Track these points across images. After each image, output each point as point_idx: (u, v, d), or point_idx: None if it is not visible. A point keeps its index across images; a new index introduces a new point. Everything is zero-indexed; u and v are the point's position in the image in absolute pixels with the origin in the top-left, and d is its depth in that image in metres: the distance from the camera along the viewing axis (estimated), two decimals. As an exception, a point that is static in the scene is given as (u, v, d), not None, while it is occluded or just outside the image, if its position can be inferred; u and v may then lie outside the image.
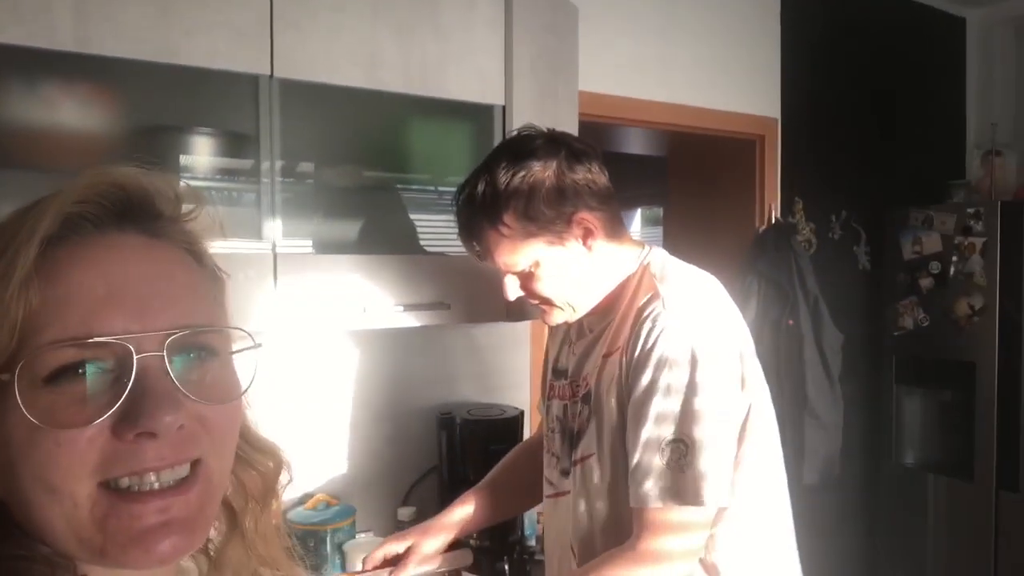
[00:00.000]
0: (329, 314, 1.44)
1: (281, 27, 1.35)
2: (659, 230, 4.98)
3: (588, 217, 1.13)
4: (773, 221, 2.67)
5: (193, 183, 1.33)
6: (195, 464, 0.49)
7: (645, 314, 1.09)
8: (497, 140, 1.62)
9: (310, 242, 1.48)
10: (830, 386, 2.52)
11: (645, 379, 1.06)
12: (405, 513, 1.82)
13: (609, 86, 2.23)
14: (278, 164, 1.41)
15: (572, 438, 1.20)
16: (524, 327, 2.09)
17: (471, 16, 1.56)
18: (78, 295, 0.46)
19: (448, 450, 1.84)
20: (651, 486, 1.04)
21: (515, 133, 1.20)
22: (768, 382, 1.19)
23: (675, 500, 1.04)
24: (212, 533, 0.57)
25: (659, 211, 5.12)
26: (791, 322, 2.53)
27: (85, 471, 0.45)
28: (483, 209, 1.13)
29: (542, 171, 1.11)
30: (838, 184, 2.87)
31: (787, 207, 2.74)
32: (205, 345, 0.51)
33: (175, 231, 0.53)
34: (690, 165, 3.03)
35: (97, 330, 0.45)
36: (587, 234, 1.14)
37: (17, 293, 0.45)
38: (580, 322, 1.24)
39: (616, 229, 1.18)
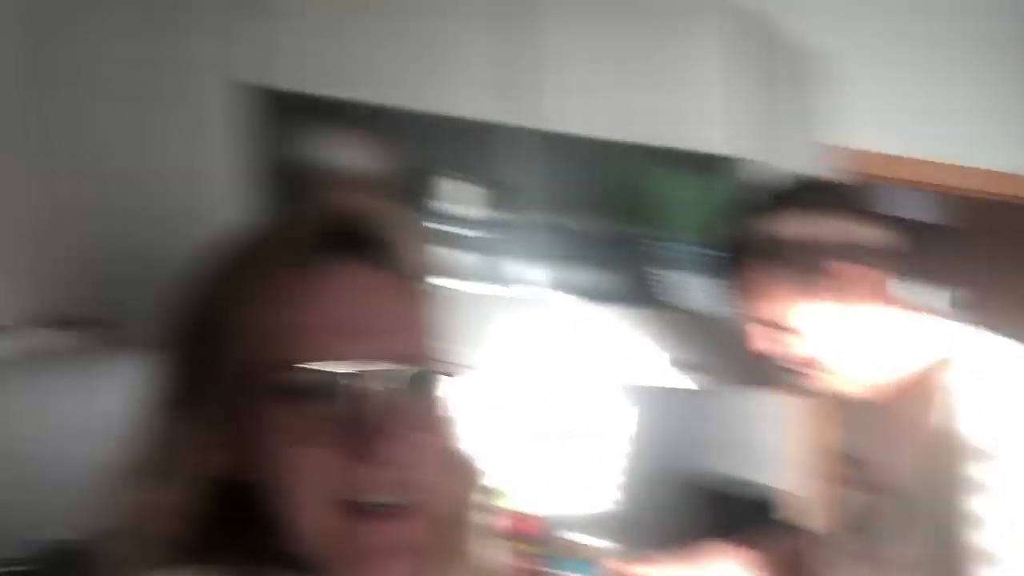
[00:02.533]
0: (565, 364, 1.45)
1: (534, 80, 1.42)
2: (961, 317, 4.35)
3: (850, 269, 1.02)
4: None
5: (440, 228, 1.47)
6: (420, 488, 0.52)
7: (967, 390, 0.95)
8: (740, 194, 1.57)
9: (551, 288, 1.52)
10: None
11: (988, 459, 0.91)
12: None
13: (889, 145, 2.05)
14: (535, 213, 1.48)
15: (866, 535, 1.07)
16: (787, 399, 1.93)
17: (710, 66, 1.54)
18: (317, 324, 0.50)
19: (692, 517, 1.74)
20: None
21: (768, 179, 1.15)
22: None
23: None
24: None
25: (961, 294, 4.49)
26: None
27: (323, 488, 0.49)
28: (742, 251, 1.08)
29: (794, 217, 1.04)
30: None
31: None
32: (430, 376, 0.54)
33: (402, 261, 0.56)
34: (997, 240, 2.65)
35: (325, 356, 0.49)
36: (847, 288, 1.02)
37: (264, 321, 0.50)
38: (875, 400, 1.09)
39: (899, 286, 1.05)
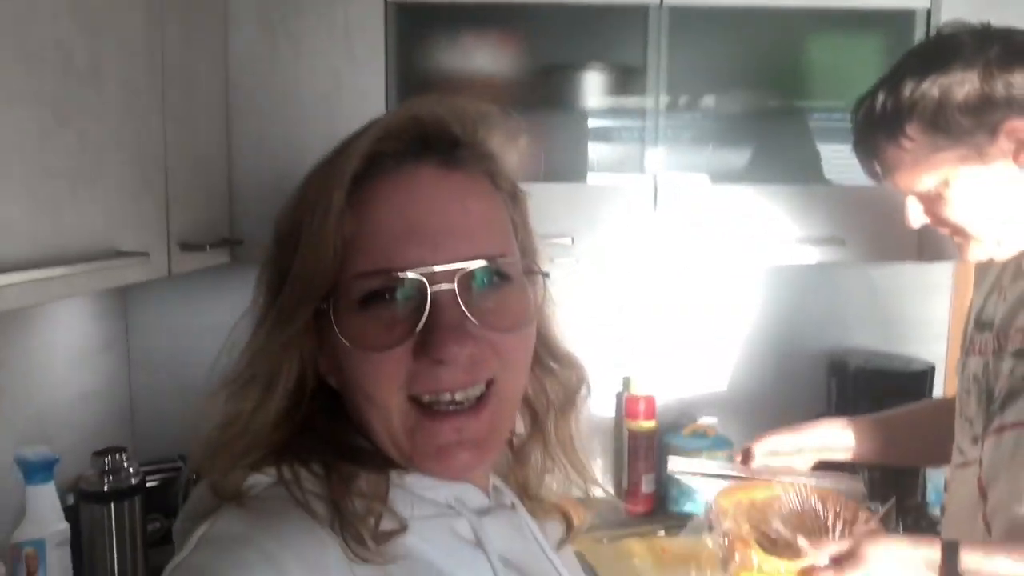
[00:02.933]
0: (710, 245, 1.42)
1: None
2: None
3: (1020, 126, 0.91)
4: None
5: (588, 119, 1.46)
6: (489, 384, 0.54)
7: None
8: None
9: (696, 172, 1.47)
10: None
11: None
12: (786, 457, 1.74)
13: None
14: (664, 95, 1.41)
15: (993, 401, 1.01)
16: (943, 270, 1.80)
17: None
18: (380, 230, 0.52)
19: (838, 398, 1.70)
20: None
21: (936, 33, 1.01)
22: None
23: None
24: (520, 428, 0.62)
25: None
26: None
27: (394, 386, 0.52)
28: (882, 121, 0.98)
29: (962, 73, 0.92)
30: None
31: None
32: (499, 272, 0.54)
33: (472, 157, 0.55)
34: None
35: (397, 263, 0.50)
36: (1020, 148, 0.92)
37: (333, 230, 0.51)
38: (1018, 261, 1.02)
39: None
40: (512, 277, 0.55)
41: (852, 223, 1.43)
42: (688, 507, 1.67)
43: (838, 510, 1.06)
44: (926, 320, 1.81)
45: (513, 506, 0.63)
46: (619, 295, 1.78)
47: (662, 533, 1.57)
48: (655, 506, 1.72)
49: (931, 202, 1.00)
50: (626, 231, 1.41)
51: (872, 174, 1.06)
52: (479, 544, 0.57)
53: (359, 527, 0.50)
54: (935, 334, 1.81)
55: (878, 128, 1.00)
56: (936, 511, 1.59)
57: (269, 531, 0.48)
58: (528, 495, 0.65)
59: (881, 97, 0.99)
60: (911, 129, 0.95)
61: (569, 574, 0.64)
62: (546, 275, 0.58)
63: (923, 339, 1.79)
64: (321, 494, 0.51)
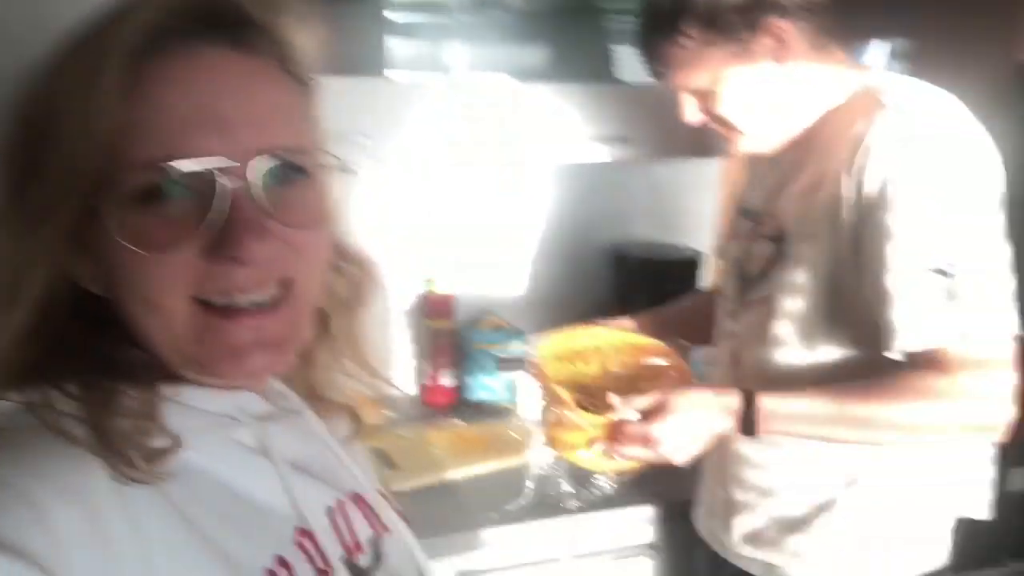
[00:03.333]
0: (508, 145, 1.43)
1: None
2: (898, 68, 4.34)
3: (783, 26, 0.98)
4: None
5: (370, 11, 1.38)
6: (286, 283, 0.50)
7: (872, 130, 0.93)
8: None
9: (496, 70, 1.46)
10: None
11: (888, 201, 0.90)
12: (575, 344, 1.86)
13: None
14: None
15: (747, 279, 1.12)
16: (711, 167, 1.95)
17: None
18: (162, 115, 0.45)
19: (620, 287, 1.82)
20: (932, 323, 0.91)
21: None
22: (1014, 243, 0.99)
23: (969, 334, 0.90)
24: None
25: (898, 43, 4.44)
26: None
27: (179, 289, 0.47)
28: (661, 19, 1.03)
29: None
30: None
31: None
32: (295, 167, 0.49)
33: (266, 41, 0.50)
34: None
35: (181, 152, 0.44)
36: (779, 46, 0.99)
37: (102, 113, 0.44)
38: (776, 156, 1.11)
39: (826, 46, 1.02)
40: (309, 171, 0.51)
41: (636, 122, 1.50)
42: (484, 396, 1.74)
43: (655, 363, 1.14)
44: (697, 212, 1.97)
45: (299, 411, 0.61)
46: (419, 195, 1.76)
47: (460, 423, 1.63)
48: (455, 399, 1.77)
49: (704, 98, 1.06)
50: (425, 130, 1.37)
51: (654, 72, 1.10)
52: (264, 451, 0.54)
53: (125, 447, 0.45)
54: (705, 225, 1.98)
55: (658, 26, 1.04)
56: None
57: (18, 464, 0.43)
58: (315, 396, 0.63)
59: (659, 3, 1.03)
60: (686, 26, 1.00)
61: (360, 472, 0.64)
62: (348, 170, 0.54)
63: (694, 230, 1.95)
64: (80, 416, 0.46)
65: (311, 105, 0.55)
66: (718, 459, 1.16)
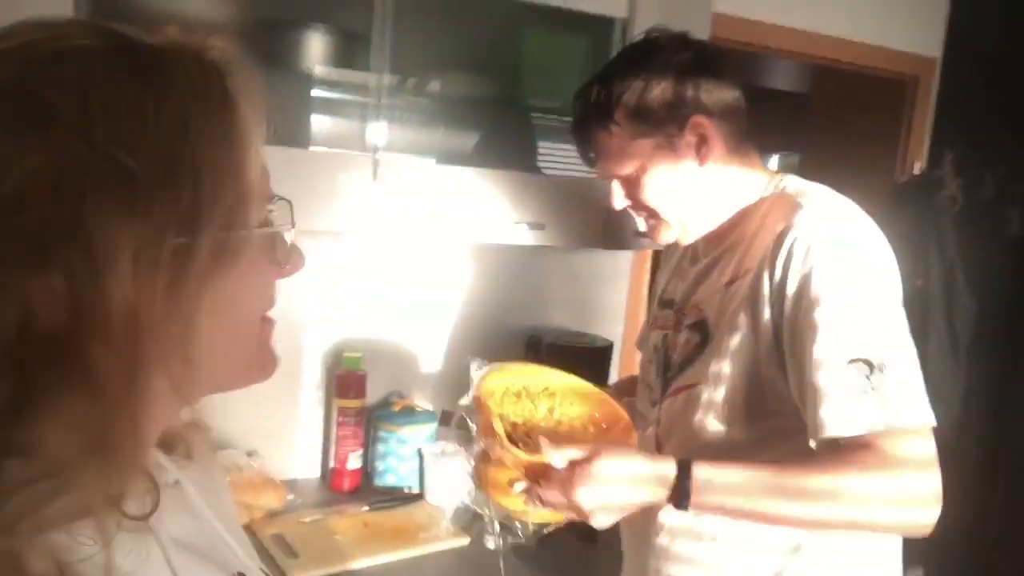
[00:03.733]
0: (418, 222, 1.45)
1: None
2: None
3: (705, 123, 1.06)
4: (917, 172, 2.44)
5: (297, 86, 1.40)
6: None
7: (792, 229, 0.99)
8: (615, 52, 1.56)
9: (411, 149, 1.49)
10: (954, 358, 2.33)
11: (808, 296, 0.95)
12: (486, 428, 1.85)
13: (747, 9, 2.07)
14: (387, 74, 1.40)
15: (670, 368, 1.15)
16: (625, 259, 2.03)
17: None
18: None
19: (533, 372, 1.84)
20: (859, 411, 0.92)
21: (642, 35, 1.13)
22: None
23: (893, 423, 0.91)
24: None
25: (796, 158, 4.81)
26: (920, 283, 2.34)
27: (268, 304, 0.56)
28: (595, 108, 1.09)
29: (662, 69, 1.06)
30: (999, 137, 2.57)
31: (934, 159, 2.49)
32: None
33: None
34: (833, 105, 2.80)
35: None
36: (701, 143, 1.07)
37: (255, 160, 0.50)
38: (694, 248, 1.18)
39: (742, 149, 1.10)
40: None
41: (553, 211, 1.55)
42: (392, 481, 1.69)
43: (599, 417, 1.08)
44: (609, 303, 2.03)
45: (177, 482, 0.57)
46: (335, 268, 1.74)
47: (366, 509, 1.57)
48: (362, 483, 1.72)
49: (630, 186, 1.11)
50: (342, 204, 1.38)
51: (585, 158, 1.17)
52: (150, 531, 0.50)
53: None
54: (615, 315, 2.04)
55: (591, 115, 1.10)
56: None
57: None
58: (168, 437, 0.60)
59: (595, 88, 1.10)
60: (618, 116, 1.07)
61: (240, 547, 0.60)
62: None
63: (606, 319, 2.01)
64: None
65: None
66: (641, 546, 1.16)
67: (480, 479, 1.03)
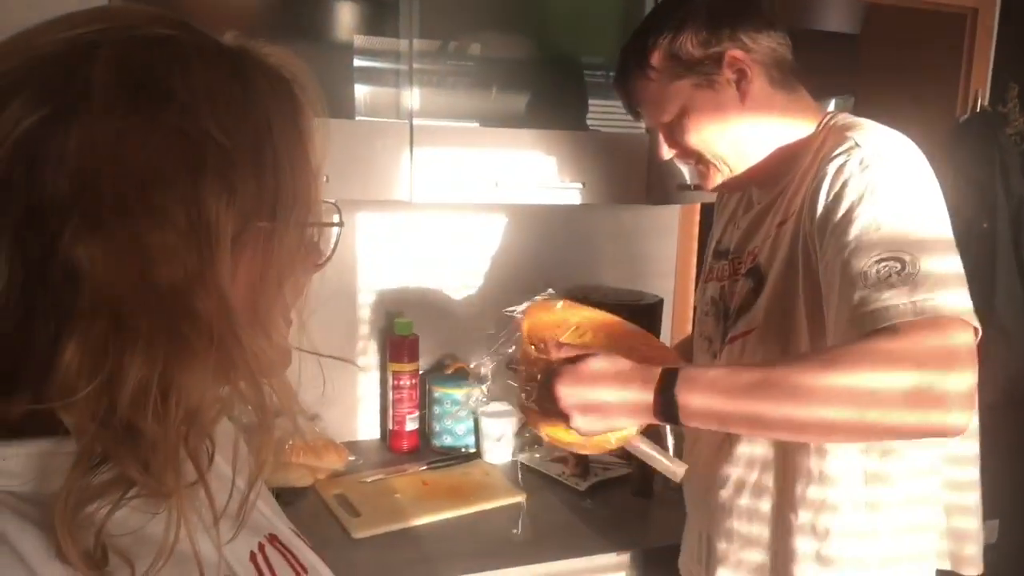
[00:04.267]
0: (461, 187, 1.46)
1: None
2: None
3: (742, 58, 1.04)
4: (979, 109, 2.33)
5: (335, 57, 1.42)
6: None
7: (837, 155, 0.95)
8: (649, 9, 1.53)
9: (449, 113, 1.49)
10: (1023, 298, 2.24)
11: (842, 200, 0.91)
12: (539, 388, 1.87)
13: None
14: (417, 38, 1.41)
15: (728, 316, 1.13)
16: (672, 213, 2.01)
17: None
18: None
19: (583, 332, 1.84)
20: (888, 298, 0.83)
21: None
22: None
23: (922, 309, 0.81)
24: None
25: (851, 101, 4.63)
26: (986, 225, 2.24)
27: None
28: (633, 56, 1.10)
29: (695, 12, 1.05)
30: (1068, 67, 2.43)
31: (998, 94, 2.37)
32: None
33: None
34: (886, 44, 2.68)
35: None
36: (741, 77, 1.05)
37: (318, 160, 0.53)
38: (748, 197, 1.16)
39: (788, 85, 1.08)
40: None
41: (596, 168, 1.54)
42: (449, 441, 1.73)
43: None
44: (658, 258, 2.01)
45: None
46: (381, 236, 1.78)
47: (424, 468, 1.62)
48: (420, 443, 1.76)
49: (675, 132, 1.09)
50: (383, 173, 1.40)
51: (632, 112, 1.16)
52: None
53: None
54: (666, 271, 2.03)
55: (630, 63, 1.10)
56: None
57: None
58: None
59: (634, 39, 1.11)
60: (654, 58, 1.07)
61: (270, 510, 0.64)
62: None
63: (656, 275, 2.00)
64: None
65: None
66: (702, 502, 1.17)
67: (525, 412, 1.01)
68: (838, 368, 0.81)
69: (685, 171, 1.57)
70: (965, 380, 0.79)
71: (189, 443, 0.46)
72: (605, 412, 0.88)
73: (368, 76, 1.46)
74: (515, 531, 1.34)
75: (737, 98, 1.06)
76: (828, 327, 0.94)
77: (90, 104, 0.43)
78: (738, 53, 1.04)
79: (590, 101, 1.64)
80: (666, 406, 0.85)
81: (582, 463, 1.64)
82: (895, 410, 0.79)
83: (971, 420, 0.80)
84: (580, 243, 1.94)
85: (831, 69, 3.55)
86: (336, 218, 0.57)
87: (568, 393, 0.87)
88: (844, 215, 0.91)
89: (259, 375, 0.49)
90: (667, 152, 1.13)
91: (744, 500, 1.10)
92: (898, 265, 0.85)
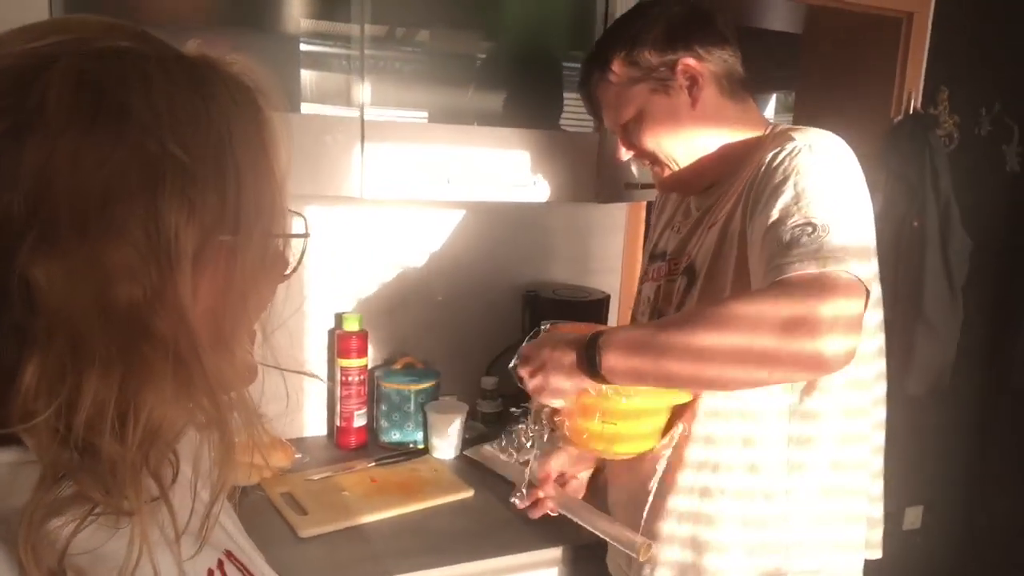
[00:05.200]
0: (413, 183, 1.45)
1: None
2: (789, 118, 4.65)
3: (695, 66, 1.11)
4: (911, 111, 2.42)
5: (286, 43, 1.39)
6: None
7: (775, 150, 1.01)
8: (600, 7, 1.54)
9: (399, 109, 1.48)
10: (950, 294, 2.34)
11: (768, 191, 0.97)
12: (488, 382, 1.89)
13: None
14: (368, 26, 1.39)
15: (663, 315, 1.19)
16: (620, 212, 2.04)
17: None
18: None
19: (531, 327, 1.86)
20: (795, 255, 0.89)
21: None
22: (883, 283, 1.06)
23: (814, 264, 0.88)
24: None
25: (791, 99, 4.77)
26: (916, 223, 2.34)
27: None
28: (595, 58, 1.17)
29: (654, 20, 1.13)
30: (994, 73, 2.55)
31: (930, 97, 2.47)
32: None
33: None
34: (826, 44, 2.76)
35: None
36: (693, 84, 1.12)
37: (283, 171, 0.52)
38: (687, 203, 1.23)
39: (736, 93, 1.15)
40: None
41: (545, 166, 1.55)
42: (397, 438, 1.74)
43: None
44: (605, 255, 2.04)
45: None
46: (330, 231, 1.76)
47: (372, 464, 1.62)
48: (368, 440, 1.76)
49: (631, 133, 1.16)
50: (333, 168, 1.38)
51: (593, 114, 1.24)
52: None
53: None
54: (612, 267, 2.06)
55: (593, 68, 1.17)
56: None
57: None
58: None
59: (598, 47, 1.18)
60: (615, 63, 1.14)
61: (231, 523, 0.64)
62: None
63: (603, 272, 2.03)
64: None
65: None
66: (629, 500, 1.20)
67: (562, 429, 1.07)
68: (729, 314, 0.89)
69: (635, 170, 1.60)
70: (838, 307, 0.85)
71: (150, 462, 0.45)
72: (546, 370, 1.01)
73: (316, 62, 1.43)
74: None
75: (689, 103, 1.13)
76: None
77: (46, 120, 0.42)
78: (691, 61, 1.11)
79: (542, 101, 1.65)
80: (589, 362, 0.96)
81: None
82: (772, 343, 0.85)
83: (850, 350, 0.86)
84: (530, 240, 1.96)
85: (774, 65, 3.64)
86: (302, 228, 0.57)
87: (527, 353, 1.03)
88: (770, 195, 0.97)
89: (220, 393, 0.48)
90: (624, 153, 1.20)
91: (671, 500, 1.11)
92: (810, 228, 0.91)
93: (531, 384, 1.03)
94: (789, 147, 1.00)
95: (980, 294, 2.54)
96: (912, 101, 2.42)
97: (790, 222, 0.93)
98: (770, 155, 1.01)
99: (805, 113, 2.97)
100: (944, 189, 2.34)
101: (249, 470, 1.48)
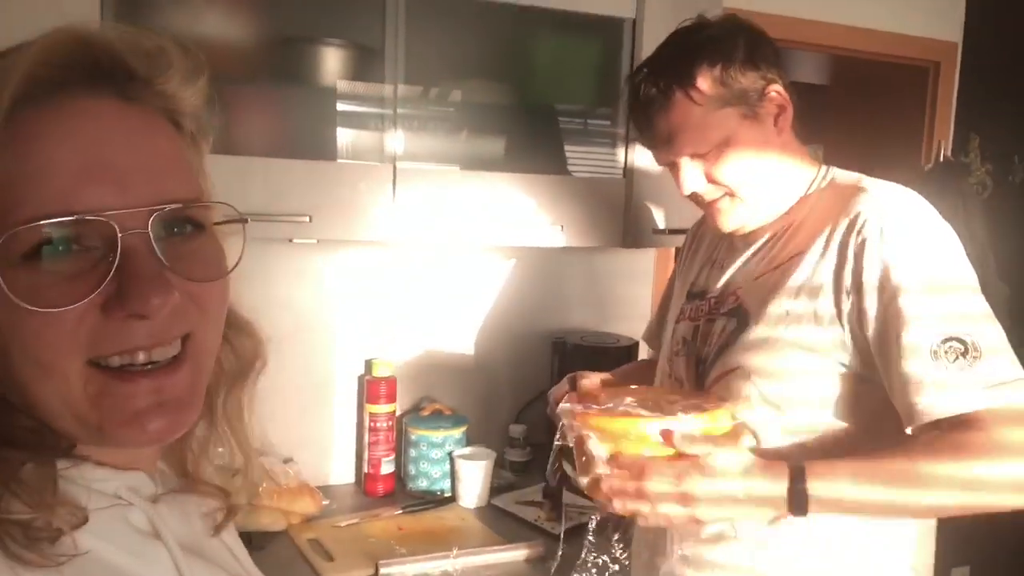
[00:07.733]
0: (443, 228, 1.47)
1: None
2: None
3: (782, 92, 1.04)
4: (942, 159, 2.41)
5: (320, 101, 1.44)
6: (185, 340, 0.49)
7: (861, 214, 0.97)
8: (625, 60, 1.57)
9: (431, 157, 1.52)
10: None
11: (891, 284, 0.93)
12: (516, 430, 1.87)
13: (759, 3, 2.07)
14: (402, 83, 1.44)
15: (704, 357, 1.12)
16: (647, 257, 2.04)
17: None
18: (52, 168, 0.44)
19: (559, 374, 1.85)
20: (959, 386, 0.90)
21: (696, 20, 1.10)
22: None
23: (996, 397, 0.89)
24: None
25: (820, 150, 4.77)
26: (951, 272, 2.30)
27: (74, 349, 0.44)
28: (677, 79, 1.03)
29: (738, 44, 1.04)
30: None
31: (960, 145, 2.46)
32: (191, 220, 0.49)
33: (151, 93, 0.49)
34: (853, 96, 2.77)
35: (77, 206, 0.43)
36: (780, 112, 1.04)
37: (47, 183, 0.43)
38: (730, 239, 1.15)
39: (796, 129, 1.09)
40: (206, 225, 0.50)
41: (573, 212, 1.57)
42: (424, 485, 1.72)
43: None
44: (633, 301, 2.04)
45: (183, 490, 0.58)
46: (360, 277, 1.78)
47: (399, 512, 1.60)
48: (395, 487, 1.75)
49: (710, 162, 1.05)
50: (366, 214, 1.41)
51: (649, 140, 1.10)
52: (157, 534, 0.51)
53: (20, 527, 0.43)
54: (641, 314, 2.05)
55: (672, 87, 1.03)
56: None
57: None
58: (185, 474, 0.59)
59: (676, 64, 1.05)
60: (701, 79, 1.02)
61: (243, 555, 0.62)
62: (244, 221, 0.53)
63: (630, 318, 2.02)
64: None
65: (201, 159, 0.54)
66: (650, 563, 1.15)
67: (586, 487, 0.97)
68: (949, 459, 0.90)
69: (659, 217, 1.60)
70: None
71: None
72: (733, 505, 0.91)
73: (351, 120, 1.48)
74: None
75: (776, 133, 1.05)
76: (889, 386, 0.95)
77: None
78: (779, 88, 1.04)
79: (569, 147, 1.68)
80: (798, 498, 0.90)
81: (557, 508, 1.63)
82: (1004, 495, 0.92)
83: None
84: (557, 285, 1.96)
85: (801, 118, 3.65)
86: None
87: (701, 486, 0.89)
88: (894, 291, 0.93)
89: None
90: (693, 184, 1.07)
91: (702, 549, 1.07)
92: (961, 347, 0.91)
93: (709, 518, 0.92)
94: (883, 219, 0.95)
95: (1018, 343, 2.48)
96: (943, 149, 2.41)
97: (933, 333, 0.91)
98: (861, 225, 0.96)
99: (834, 163, 2.97)
100: (978, 237, 2.31)
101: (277, 515, 1.48)
